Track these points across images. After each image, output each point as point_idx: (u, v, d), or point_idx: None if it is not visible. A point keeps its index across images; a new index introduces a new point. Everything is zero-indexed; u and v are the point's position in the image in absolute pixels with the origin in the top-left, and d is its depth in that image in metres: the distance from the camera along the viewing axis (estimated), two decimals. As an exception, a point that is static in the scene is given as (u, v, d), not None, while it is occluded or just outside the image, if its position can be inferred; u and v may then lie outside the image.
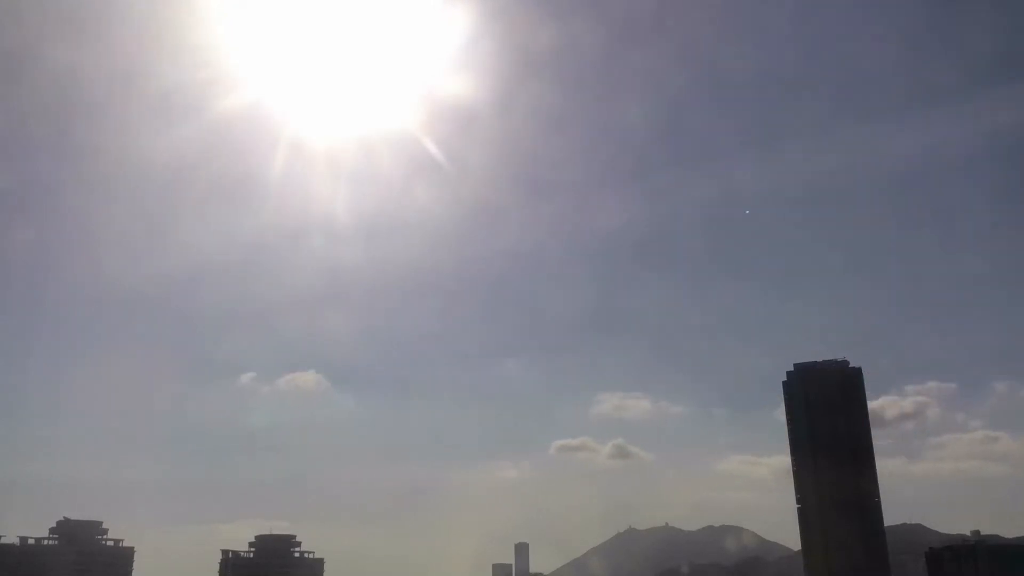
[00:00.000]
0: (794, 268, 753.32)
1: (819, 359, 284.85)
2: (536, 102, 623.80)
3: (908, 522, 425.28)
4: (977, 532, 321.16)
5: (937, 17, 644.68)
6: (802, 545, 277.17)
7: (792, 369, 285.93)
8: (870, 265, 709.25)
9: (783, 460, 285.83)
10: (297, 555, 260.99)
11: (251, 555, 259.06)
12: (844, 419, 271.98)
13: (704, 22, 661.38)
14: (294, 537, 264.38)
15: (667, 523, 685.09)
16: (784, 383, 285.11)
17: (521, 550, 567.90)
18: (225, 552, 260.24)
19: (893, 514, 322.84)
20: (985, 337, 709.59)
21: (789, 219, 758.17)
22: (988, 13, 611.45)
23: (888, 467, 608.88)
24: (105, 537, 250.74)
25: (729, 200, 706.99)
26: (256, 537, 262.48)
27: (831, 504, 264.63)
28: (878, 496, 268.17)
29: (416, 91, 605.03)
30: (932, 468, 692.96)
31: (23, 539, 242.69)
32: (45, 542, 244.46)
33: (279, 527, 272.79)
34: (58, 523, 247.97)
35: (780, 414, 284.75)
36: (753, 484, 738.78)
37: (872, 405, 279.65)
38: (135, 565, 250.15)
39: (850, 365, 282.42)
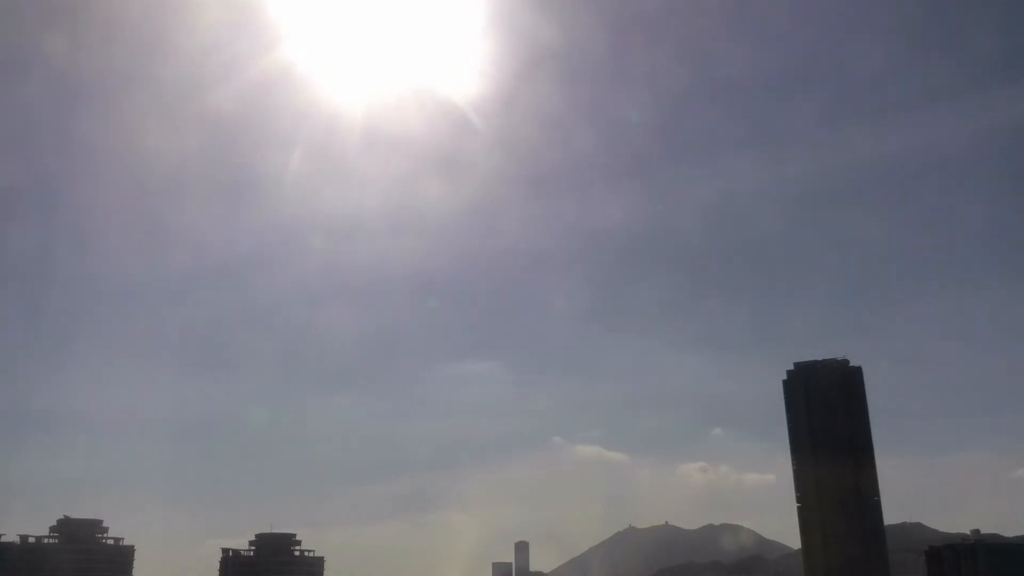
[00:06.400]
0: (794, 267, 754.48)
1: (819, 359, 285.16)
2: (537, 101, 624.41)
3: (908, 521, 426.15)
4: (977, 531, 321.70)
5: (937, 17, 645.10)
6: (802, 544, 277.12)
7: (792, 368, 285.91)
8: (870, 265, 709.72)
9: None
10: (297, 554, 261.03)
11: (251, 553, 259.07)
12: (844, 418, 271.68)
13: (704, 22, 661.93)
14: (294, 536, 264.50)
15: (667, 522, 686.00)
16: (784, 382, 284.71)
17: (521, 548, 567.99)
18: (225, 550, 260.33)
19: (893, 513, 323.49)
20: (985, 335, 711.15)
21: (788, 219, 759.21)
22: (988, 13, 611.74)
23: (888, 465, 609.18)
24: (105, 536, 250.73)
25: (729, 199, 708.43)
26: (256, 535, 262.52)
27: (831, 503, 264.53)
28: (878, 495, 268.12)
29: (418, 89, 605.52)
30: (932, 467, 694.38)
31: (23, 537, 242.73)
32: (45, 540, 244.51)
33: (279, 525, 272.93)
34: (58, 521, 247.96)
35: (780, 413, 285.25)
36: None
37: (872, 404, 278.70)
38: (135, 563, 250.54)
39: (850, 364, 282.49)
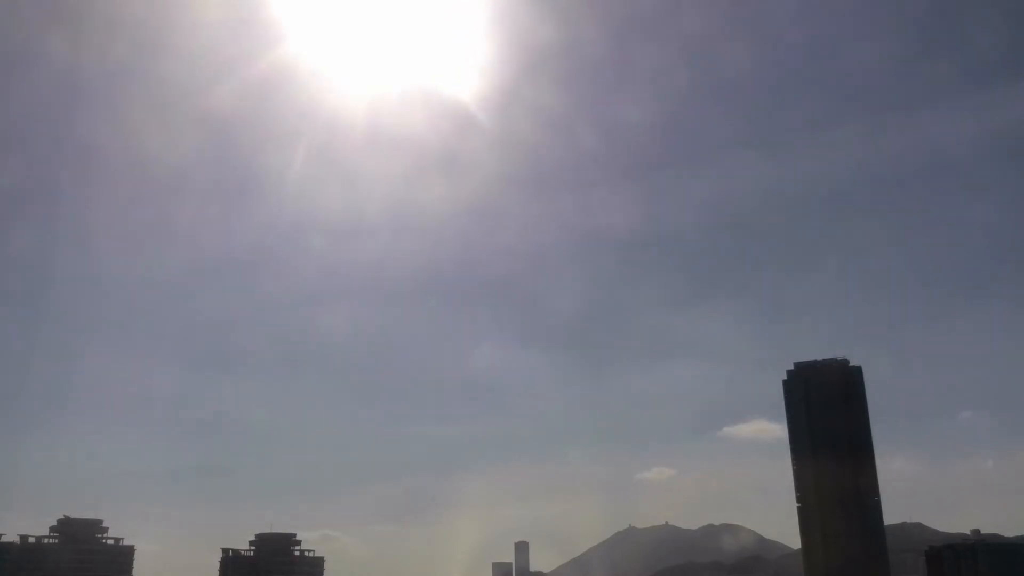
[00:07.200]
0: (794, 267, 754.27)
1: (819, 358, 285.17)
2: (538, 100, 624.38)
3: (908, 521, 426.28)
4: (977, 531, 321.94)
5: (937, 17, 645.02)
6: (802, 544, 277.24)
7: (792, 368, 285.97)
8: (870, 265, 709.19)
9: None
10: (297, 554, 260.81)
11: (251, 553, 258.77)
12: (844, 418, 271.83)
13: (704, 22, 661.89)
14: (294, 536, 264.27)
15: (667, 522, 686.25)
16: (784, 382, 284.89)
17: (521, 548, 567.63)
18: (225, 550, 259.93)
19: (893, 513, 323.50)
20: (986, 335, 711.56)
21: (789, 218, 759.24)
22: (988, 13, 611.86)
23: (888, 466, 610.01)
24: (105, 536, 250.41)
25: (729, 199, 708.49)
26: (256, 535, 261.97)
27: (831, 503, 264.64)
28: (878, 495, 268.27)
29: (419, 88, 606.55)
30: (932, 467, 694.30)
31: (23, 537, 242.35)
32: (45, 540, 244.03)
33: (279, 525, 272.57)
34: (58, 521, 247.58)
35: (780, 413, 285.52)
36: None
37: (872, 404, 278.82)
38: (135, 563, 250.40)
39: (850, 364, 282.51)
